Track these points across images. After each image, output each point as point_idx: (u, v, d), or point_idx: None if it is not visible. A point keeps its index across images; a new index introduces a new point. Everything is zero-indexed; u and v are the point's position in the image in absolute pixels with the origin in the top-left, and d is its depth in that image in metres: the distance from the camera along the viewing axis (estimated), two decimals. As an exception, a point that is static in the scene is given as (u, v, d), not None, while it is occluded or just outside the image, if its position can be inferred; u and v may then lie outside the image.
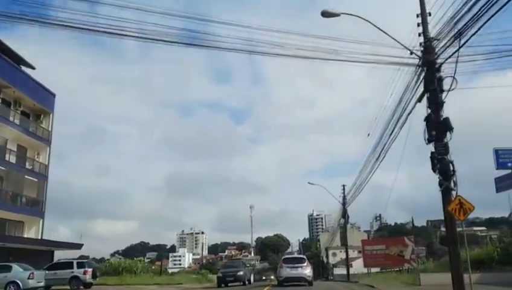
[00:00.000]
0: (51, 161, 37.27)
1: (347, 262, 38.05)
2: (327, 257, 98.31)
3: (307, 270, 20.83)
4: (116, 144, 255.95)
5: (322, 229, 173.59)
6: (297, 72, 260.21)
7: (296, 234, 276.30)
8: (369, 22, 11.82)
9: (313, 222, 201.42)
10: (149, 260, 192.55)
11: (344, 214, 31.70)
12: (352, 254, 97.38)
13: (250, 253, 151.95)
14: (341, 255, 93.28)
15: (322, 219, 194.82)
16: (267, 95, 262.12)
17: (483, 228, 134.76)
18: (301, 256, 25.03)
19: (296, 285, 20.58)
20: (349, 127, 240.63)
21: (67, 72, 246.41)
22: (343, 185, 32.18)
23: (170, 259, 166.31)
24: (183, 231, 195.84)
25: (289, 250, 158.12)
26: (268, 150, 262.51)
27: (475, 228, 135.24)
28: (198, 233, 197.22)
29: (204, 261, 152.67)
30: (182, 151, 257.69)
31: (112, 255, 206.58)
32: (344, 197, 33.66)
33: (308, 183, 28.64)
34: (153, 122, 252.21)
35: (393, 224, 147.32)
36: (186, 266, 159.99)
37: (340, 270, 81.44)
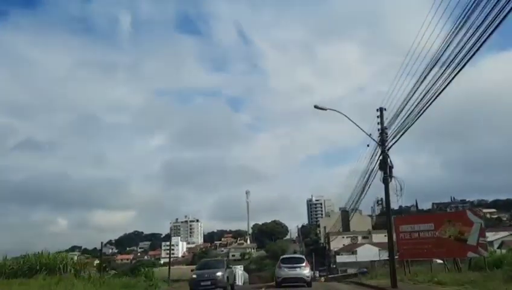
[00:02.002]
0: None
1: (390, 247, 19.24)
2: (328, 243, 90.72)
3: (305, 271, 20.41)
4: (111, 132, 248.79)
5: (322, 215, 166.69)
6: (294, 58, 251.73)
7: (295, 221, 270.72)
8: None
9: (312, 207, 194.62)
10: (142, 249, 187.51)
11: (384, 164, 17.47)
12: (356, 239, 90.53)
13: (246, 241, 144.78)
14: (343, 241, 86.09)
15: (321, 204, 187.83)
16: (264, 82, 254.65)
17: (493, 210, 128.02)
18: (300, 256, 24.19)
19: (295, 286, 20.06)
20: (347, 113, 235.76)
21: (58, 58, 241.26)
22: (381, 109, 17.27)
23: (163, 248, 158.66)
24: (177, 219, 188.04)
25: (287, 237, 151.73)
26: (267, 137, 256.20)
27: (485, 210, 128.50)
28: (193, 221, 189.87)
29: (198, 250, 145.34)
30: (179, 139, 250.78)
31: (104, 245, 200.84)
32: (383, 131, 17.57)
33: (315, 107, 19.22)
34: (149, 109, 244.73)
35: (396, 208, 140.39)
36: (179, 255, 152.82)
37: (344, 258, 74.47)
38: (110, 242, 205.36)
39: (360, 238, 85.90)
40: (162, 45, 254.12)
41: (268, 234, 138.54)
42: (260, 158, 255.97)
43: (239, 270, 58.58)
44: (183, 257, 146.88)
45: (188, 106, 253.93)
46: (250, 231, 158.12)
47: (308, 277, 20.50)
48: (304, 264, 20.73)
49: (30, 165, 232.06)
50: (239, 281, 56.32)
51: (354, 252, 74.63)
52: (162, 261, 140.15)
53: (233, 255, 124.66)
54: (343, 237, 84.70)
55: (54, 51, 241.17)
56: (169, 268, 30.63)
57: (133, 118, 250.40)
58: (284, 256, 24.34)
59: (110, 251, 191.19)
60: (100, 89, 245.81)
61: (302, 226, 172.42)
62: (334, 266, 74.35)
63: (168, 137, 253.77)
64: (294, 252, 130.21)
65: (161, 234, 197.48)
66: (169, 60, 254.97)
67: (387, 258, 56.47)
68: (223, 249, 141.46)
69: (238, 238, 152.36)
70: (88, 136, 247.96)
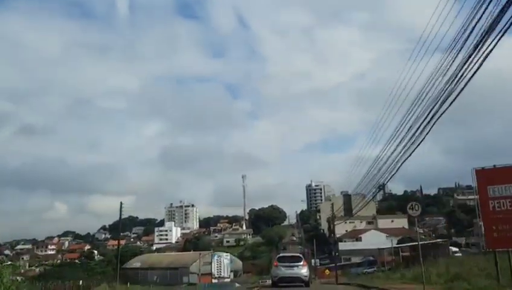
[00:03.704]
0: None
1: None
2: (329, 229, 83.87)
3: (303, 270, 19.39)
4: (107, 117, 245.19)
5: (322, 200, 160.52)
6: (293, 44, 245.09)
7: (294, 208, 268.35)
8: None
9: (312, 193, 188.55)
10: (136, 235, 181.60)
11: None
12: (360, 225, 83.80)
13: (241, 226, 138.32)
14: (346, 227, 79.46)
15: (321, 189, 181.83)
16: (263, 68, 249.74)
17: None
18: (297, 255, 22.74)
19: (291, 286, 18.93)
20: (346, 100, 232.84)
21: (54, 43, 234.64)
22: None
23: (156, 234, 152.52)
24: (171, 204, 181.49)
25: (285, 223, 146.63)
26: (266, 124, 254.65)
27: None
28: (188, 206, 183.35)
29: (191, 235, 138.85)
30: (177, 125, 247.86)
31: (98, 230, 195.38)
32: None
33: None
34: (146, 95, 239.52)
35: (396, 194, 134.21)
36: (173, 241, 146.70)
37: (348, 245, 67.99)
38: (103, 227, 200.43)
39: (364, 223, 79.14)
40: (159, 29, 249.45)
41: (266, 220, 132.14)
42: (258, 145, 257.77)
43: (225, 259, 50.66)
44: (176, 242, 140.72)
45: (186, 91, 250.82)
46: (247, 217, 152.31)
47: (306, 276, 19.57)
48: (301, 263, 19.72)
49: (26, 150, 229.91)
50: (225, 273, 48.87)
51: (358, 239, 67.84)
52: (154, 247, 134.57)
53: (227, 241, 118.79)
54: (345, 223, 77.86)
55: (50, 35, 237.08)
56: None
57: (130, 103, 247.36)
58: (281, 254, 23.59)
59: (103, 236, 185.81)
60: (97, 74, 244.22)
61: (301, 211, 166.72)
62: (337, 253, 67.68)
63: (166, 123, 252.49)
64: (292, 235, 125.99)
65: (156, 220, 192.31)
66: (167, 45, 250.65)
67: (397, 245, 47.07)
68: (216, 234, 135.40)
69: (233, 224, 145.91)
70: (84, 122, 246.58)
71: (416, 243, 59.29)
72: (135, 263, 76.75)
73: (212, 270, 45.68)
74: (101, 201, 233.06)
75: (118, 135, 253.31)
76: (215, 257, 48.84)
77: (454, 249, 59.96)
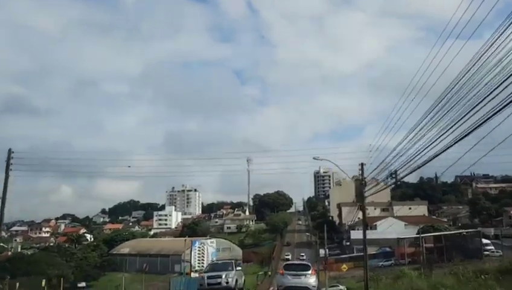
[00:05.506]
0: None
1: None
2: (339, 216, 76.14)
3: (311, 279, 18.37)
4: (113, 100, 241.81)
5: (330, 187, 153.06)
6: (303, 30, 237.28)
7: (301, 195, 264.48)
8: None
9: (320, 180, 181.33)
10: (135, 219, 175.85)
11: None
12: (374, 212, 75.87)
13: (244, 212, 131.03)
14: (358, 213, 71.97)
15: (329, 176, 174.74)
16: (272, 54, 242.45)
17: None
18: (306, 263, 22.04)
19: None
20: (356, 88, 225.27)
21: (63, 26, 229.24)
22: None
23: (155, 218, 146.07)
24: (173, 187, 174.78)
25: (292, 210, 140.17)
26: (274, 111, 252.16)
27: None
28: (191, 190, 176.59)
29: (191, 221, 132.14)
30: (184, 110, 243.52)
31: (97, 214, 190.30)
32: None
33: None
34: (151, 78, 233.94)
35: (409, 182, 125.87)
36: (173, 226, 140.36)
37: (361, 234, 60.57)
38: (103, 211, 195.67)
39: (378, 210, 71.22)
40: (167, 12, 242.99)
41: (271, 206, 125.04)
42: (266, 132, 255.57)
43: (209, 247, 40.92)
44: (176, 228, 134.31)
45: (192, 75, 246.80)
46: (251, 202, 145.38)
47: (314, 286, 18.09)
48: (309, 272, 18.41)
49: (30, 133, 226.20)
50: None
51: (372, 227, 59.99)
52: (152, 232, 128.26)
53: (228, 227, 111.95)
54: (357, 209, 69.72)
55: (54, 16, 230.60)
56: None
57: (135, 86, 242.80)
58: (288, 262, 23.60)
59: (102, 219, 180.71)
60: (100, 56, 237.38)
61: (308, 199, 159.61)
62: (348, 243, 60.02)
63: (172, 107, 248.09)
64: (298, 220, 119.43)
65: (158, 204, 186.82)
66: (174, 27, 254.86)
67: (421, 235, 38.65)
68: (217, 220, 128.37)
69: (235, 209, 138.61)
70: (88, 104, 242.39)
71: (443, 233, 49.97)
72: (123, 248, 69.99)
73: (192, 262, 36.99)
74: (104, 185, 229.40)
75: (122, 118, 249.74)
76: (196, 245, 39.80)
77: (485, 241, 51.96)
